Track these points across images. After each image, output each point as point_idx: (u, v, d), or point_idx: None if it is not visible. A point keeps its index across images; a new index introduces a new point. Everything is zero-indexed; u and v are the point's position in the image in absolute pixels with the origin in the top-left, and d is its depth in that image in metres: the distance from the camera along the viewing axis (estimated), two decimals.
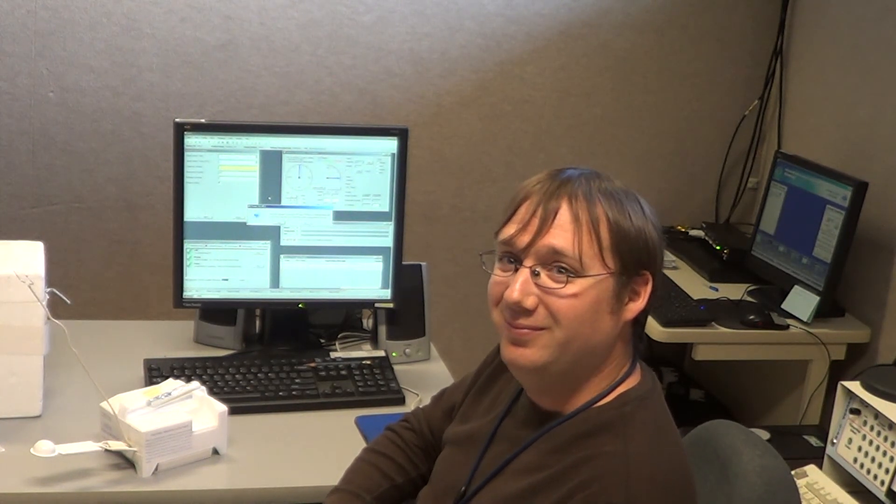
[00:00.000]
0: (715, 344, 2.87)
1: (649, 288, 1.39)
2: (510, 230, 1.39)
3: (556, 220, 1.36)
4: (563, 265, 1.35)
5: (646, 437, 1.35)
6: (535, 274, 1.36)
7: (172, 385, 1.87)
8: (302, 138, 2.22)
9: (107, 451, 1.77)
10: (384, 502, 1.65)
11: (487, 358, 1.65)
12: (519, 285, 1.36)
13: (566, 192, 1.37)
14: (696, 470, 1.55)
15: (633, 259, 1.37)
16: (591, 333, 1.37)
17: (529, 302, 1.36)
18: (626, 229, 1.36)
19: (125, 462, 1.79)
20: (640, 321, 1.43)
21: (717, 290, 3.12)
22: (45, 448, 1.70)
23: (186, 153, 2.16)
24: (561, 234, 1.35)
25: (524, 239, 1.37)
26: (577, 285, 1.35)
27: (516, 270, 1.38)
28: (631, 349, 1.44)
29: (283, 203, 2.21)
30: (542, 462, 1.38)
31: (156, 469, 1.77)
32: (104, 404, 1.80)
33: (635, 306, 1.39)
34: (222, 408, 1.86)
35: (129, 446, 1.76)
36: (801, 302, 2.88)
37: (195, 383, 1.90)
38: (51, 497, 1.71)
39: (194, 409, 1.85)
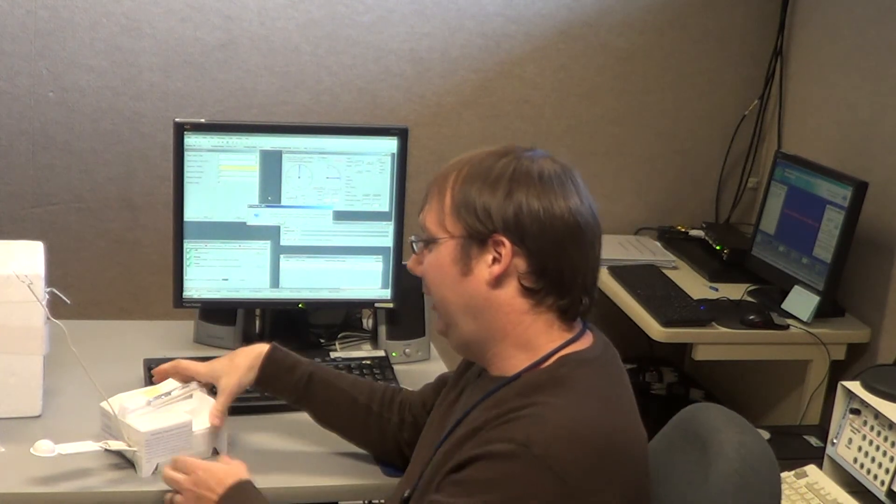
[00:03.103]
0: (715, 344, 2.87)
1: (508, 250, 1.44)
2: None
3: (427, 196, 1.53)
4: (421, 235, 1.52)
5: (572, 394, 1.40)
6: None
7: (172, 385, 1.86)
8: (302, 138, 2.22)
9: (107, 451, 1.77)
10: (338, 408, 1.83)
11: None
12: (412, 255, 1.56)
13: (440, 171, 1.53)
14: (680, 452, 1.57)
15: (474, 223, 1.46)
16: (453, 295, 1.49)
17: (417, 270, 1.55)
18: (470, 198, 1.46)
19: (125, 462, 1.79)
20: (538, 288, 1.46)
21: (717, 290, 3.13)
22: (44, 448, 1.69)
23: (186, 153, 2.16)
24: (423, 209, 1.53)
25: None
26: (426, 253, 1.52)
27: None
28: (556, 315, 1.48)
29: (282, 203, 2.21)
30: (484, 415, 1.43)
31: (156, 469, 1.76)
32: (104, 404, 1.80)
33: (497, 268, 1.46)
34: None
35: (129, 446, 1.76)
36: (801, 302, 2.88)
37: (195, 383, 1.89)
38: (50, 497, 1.71)
39: (194, 408, 1.84)
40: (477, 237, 1.45)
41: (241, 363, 1.83)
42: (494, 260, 1.45)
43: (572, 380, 1.42)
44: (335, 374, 1.88)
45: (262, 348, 1.84)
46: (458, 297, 1.49)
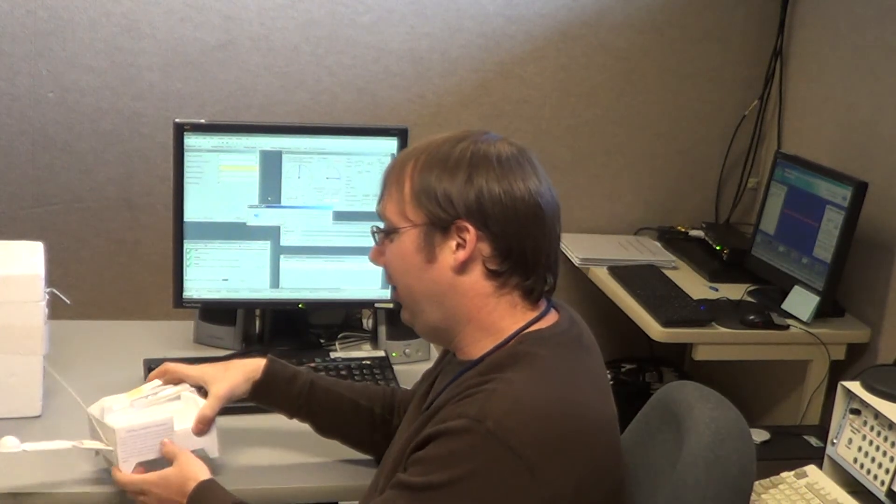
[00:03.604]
0: (715, 344, 2.87)
1: (472, 235, 1.45)
2: None
3: (384, 187, 1.53)
4: (382, 226, 1.53)
5: (529, 370, 1.41)
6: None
7: (156, 386, 1.79)
8: (302, 138, 2.22)
9: (97, 452, 1.74)
10: (344, 414, 1.81)
11: None
12: (373, 246, 1.56)
13: (395, 160, 1.53)
14: (656, 431, 1.58)
15: (435, 210, 1.46)
16: (419, 284, 1.49)
17: (380, 262, 1.55)
18: (429, 185, 1.46)
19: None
20: (503, 270, 1.46)
21: (716, 290, 3.13)
22: (10, 444, 1.64)
23: (186, 153, 2.16)
24: (381, 200, 1.53)
25: None
26: (386, 244, 1.52)
27: None
28: (519, 295, 1.48)
29: (282, 203, 2.21)
30: (448, 397, 1.44)
31: (134, 469, 1.69)
32: (90, 409, 1.74)
33: (462, 254, 1.46)
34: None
35: (106, 445, 1.69)
36: (801, 302, 2.88)
37: (185, 385, 1.81)
38: (32, 497, 1.71)
39: (180, 409, 1.77)
40: (440, 224, 1.46)
41: (236, 374, 1.79)
42: (458, 246, 1.46)
43: (530, 356, 1.42)
44: (333, 380, 1.87)
45: (258, 361, 1.80)
46: (422, 285, 1.49)
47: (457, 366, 1.52)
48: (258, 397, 1.81)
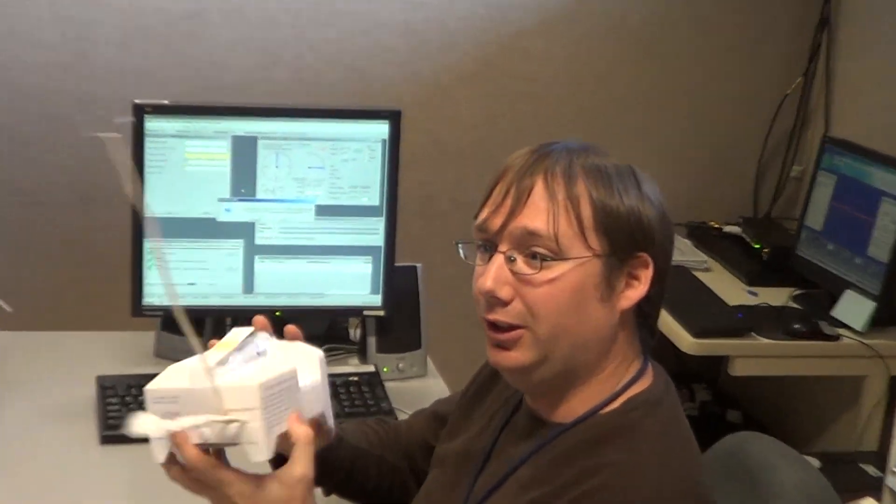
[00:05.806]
0: (754, 357, 2.87)
1: (650, 272, 1.38)
2: (484, 213, 1.42)
3: (529, 198, 1.37)
4: (538, 248, 1.36)
5: (654, 448, 1.35)
6: (510, 260, 1.38)
7: (239, 334, 1.38)
8: (280, 122, 2.21)
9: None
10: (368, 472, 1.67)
11: (479, 369, 1.69)
12: (493, 272, 1.38)
13: (542, 169, 1.39)
14: (720, 485, 1.56)
15: (624, 239, 1.37)
16: (578, 325, 1.37)
17: (504, 292, 1.37)
18: (613, 207, 1.37)
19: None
20: (646, 312, 1.43)
21: (756, 294, 3.13)
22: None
23: (147, 139, 2.15)
24: (535, 214, 1.37)
25: (497, 221, 1.39)
26: (553, 270, 1.35)
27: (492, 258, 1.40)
28: (639, 346, 1.44)
29: (257, 196, 2.21)
30: (544, 475, 1.38)
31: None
32: (170, 373, 1.32)
33: (634, 293, 1.39)
34: (318, 352, 1.46)
35: (236, 418, 1.27)
36: (854, 308, 2.88)
37: (263, 333, 1.42)
38: None
39: (283, 357, 1.40)
40: (619, 255, 1.37)
41: None
42: (627, 283, 1.38)
43: (647, 431, 1.37)
44: (357, 436, 1.72)
45: None
46: (583, 325, 1.38)
47: (539, 424, 1.44)
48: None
